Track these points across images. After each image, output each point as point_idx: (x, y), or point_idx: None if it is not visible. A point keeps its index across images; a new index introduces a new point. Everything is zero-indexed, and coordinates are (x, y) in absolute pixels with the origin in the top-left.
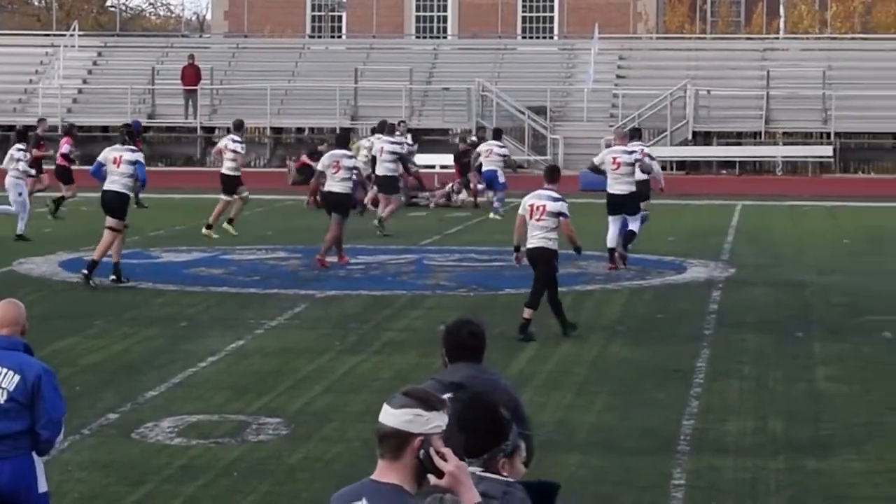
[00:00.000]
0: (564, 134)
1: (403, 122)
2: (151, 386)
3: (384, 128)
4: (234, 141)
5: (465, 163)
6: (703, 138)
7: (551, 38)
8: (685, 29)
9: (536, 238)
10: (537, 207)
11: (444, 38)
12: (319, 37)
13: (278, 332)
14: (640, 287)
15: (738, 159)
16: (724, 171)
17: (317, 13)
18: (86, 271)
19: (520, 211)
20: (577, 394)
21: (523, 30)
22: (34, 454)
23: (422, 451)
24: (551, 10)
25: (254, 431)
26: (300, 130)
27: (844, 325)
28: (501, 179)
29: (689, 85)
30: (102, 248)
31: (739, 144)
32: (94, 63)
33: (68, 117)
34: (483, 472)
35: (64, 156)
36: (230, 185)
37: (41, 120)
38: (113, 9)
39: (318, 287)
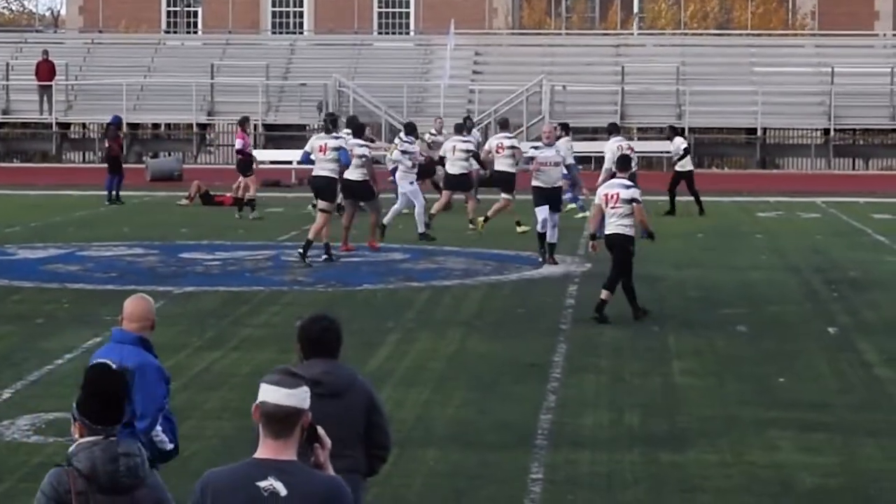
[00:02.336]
0: (421, 129)
1: (469, 118)
2: (7, 384)
3: (462, 129)
4: (508, 137)
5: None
6: None
7: (407, 33)
8: (545, 23)
9: (613, 225)
10: (611, 196)
11: (301, 33)
12: (175, 32)
13: None
14: (497, 282)
15: (593, 154)
16: (580, 167)
17: (172, 8)
18: (301, 251)
19: (595, 201)
20: (434, 389)
21: (379, 25)
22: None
23: (308, 427)
24: (407, 5)
25: None
26: (156, 126)
27: (699, 319)
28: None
29: (544, 80)
30: (316, 228)
31: (595, 140)
32: None
33: None
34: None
35: (239, 151)
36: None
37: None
38: None
39: (176, 283)
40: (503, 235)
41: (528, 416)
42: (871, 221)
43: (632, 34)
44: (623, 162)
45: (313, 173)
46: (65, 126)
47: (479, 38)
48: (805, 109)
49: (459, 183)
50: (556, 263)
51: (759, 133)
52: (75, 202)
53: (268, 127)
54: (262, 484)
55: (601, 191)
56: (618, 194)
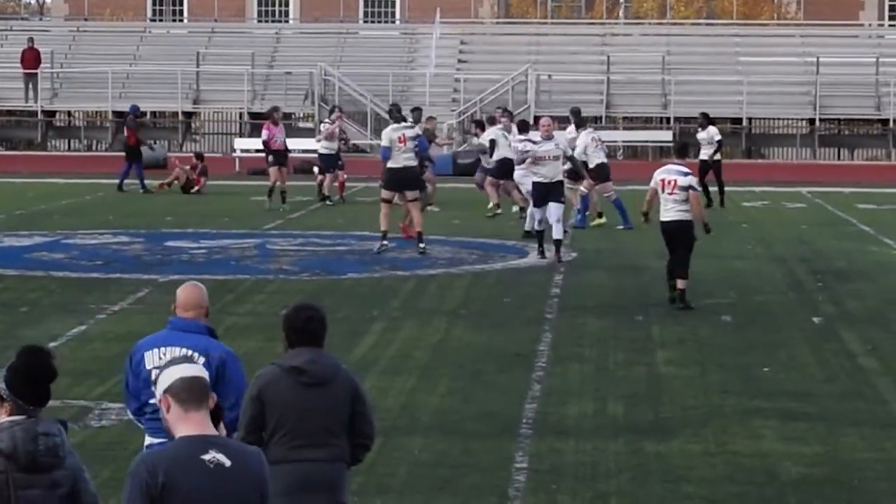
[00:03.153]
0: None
1: (506, 108)
2: None
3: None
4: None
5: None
6: None
7: (393, 22)
8: (529, 13)
9: (672, 211)
10: (668, 182)
11: (287, 21)
12: (161, 20)
13: (121, 317)
14: (482, 271)
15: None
16: None
17: None
18: (421, 245)
19: (651, 184)
20: (419, 378)
21: (365, 14)
22: None
23: (214, 408)
24: None
25: (96, 417)
26: (142, 114)
27: (683, 309)
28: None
29: (530, 70)
30: (419, 221)
31: None
32: None
33: None
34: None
35: (265, 143)
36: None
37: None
38: None
39: (161, 272)
40: (489, 224)
41: (512, 406)
42: (856, 211)
43: (618, 23)
44: (681, 149)
45: (391, 165)
46: (50, 114)
47: (464, 26)
48: (790, 99)
49: (512, 170)
50: (560, 261)
51: (745, 123)
52: (60, 190)
53: (253, 115)
54: (206, 457)
55: (657, 175)
56: (675, 181)
